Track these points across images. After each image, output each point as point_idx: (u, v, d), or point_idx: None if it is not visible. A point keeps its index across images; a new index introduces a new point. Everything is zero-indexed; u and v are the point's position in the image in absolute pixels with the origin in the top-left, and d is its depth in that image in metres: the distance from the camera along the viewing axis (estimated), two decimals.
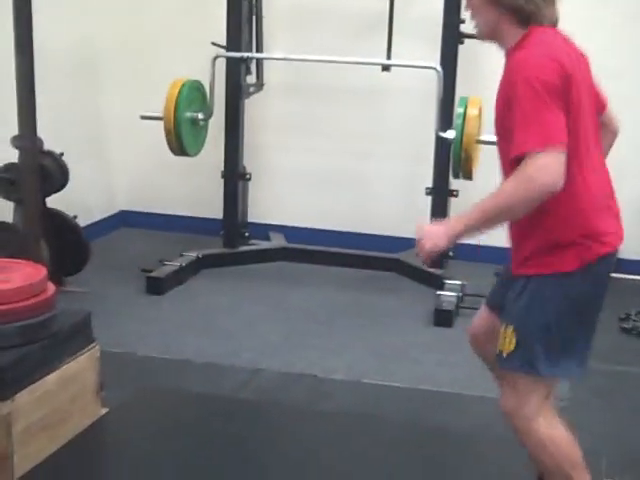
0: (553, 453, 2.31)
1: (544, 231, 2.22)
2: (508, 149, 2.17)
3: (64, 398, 2.80)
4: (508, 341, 2.25)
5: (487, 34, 2.31)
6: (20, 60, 3.01)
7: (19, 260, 3.01)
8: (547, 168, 2.08)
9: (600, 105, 2.38)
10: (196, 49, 5.01)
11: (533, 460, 2.39)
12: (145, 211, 5.63)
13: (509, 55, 2.26)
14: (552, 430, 2.31)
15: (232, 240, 5.04)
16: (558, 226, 2.21)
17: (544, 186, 2.08)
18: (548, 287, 2.23)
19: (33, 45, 3.03)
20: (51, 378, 2.73)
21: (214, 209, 5.12)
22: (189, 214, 5.51)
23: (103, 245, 5.07)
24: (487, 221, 2.17)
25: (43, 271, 2.85)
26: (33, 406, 2.63)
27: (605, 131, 2.39)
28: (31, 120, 3.09)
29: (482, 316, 2.53)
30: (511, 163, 2.15)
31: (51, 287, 2.84)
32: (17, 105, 3.09)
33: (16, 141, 4.03)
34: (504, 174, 2.27)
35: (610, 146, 2.46)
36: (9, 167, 4.05)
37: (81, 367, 2.89)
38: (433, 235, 2.21)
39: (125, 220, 5.66)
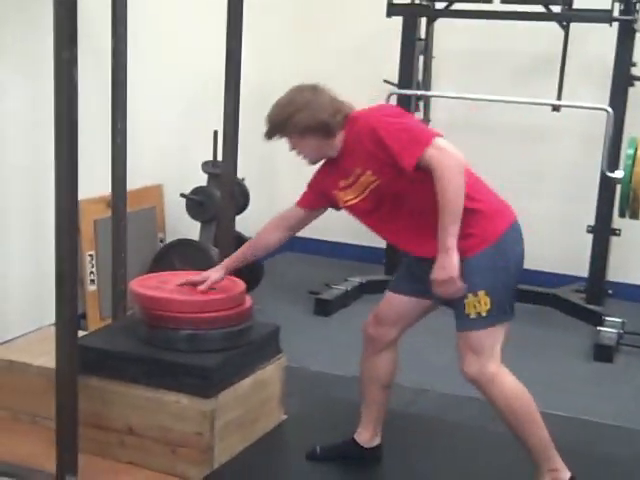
0: (520, 398, 2.66)
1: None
2: (404, 187, 2.57)
3: (256, 401, 3.08)
4: (484, 303, 2.61)
5: (317, 158, 2.71)
6: (228, 96, 3.34)
7: None
8: (447, 149, 2.45)
9: None
10: (366, 87, 5.25)
11: (503, 420, 2.69)
12: (308, 237, 5.92)
13: (345, 143, 2.64)
14: (511, 377, 2.68)
15: (393, 268, 5.25)
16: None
17: (461, 161, 2.47)
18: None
19: (240, 82, 3.35)
20: (247, 382, 3.00)
21: (376, 239, 5.33)
22: (352, 242, 5.76)
23: (270, 267, 5.36)
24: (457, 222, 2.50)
25: (242, 285, 3.13)
26: (232, 405, 2.91)
27: None
28: (233, 150, 3.39)
29: (394, 302, 2.94)
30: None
31: (248, 300, 3.13)
32: (223, 135, 3.41)
33: (207, 167, 4.43)
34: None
35: None
36: (198, 190, 4.43)
37: (270, 374, 3.16)
38: (447, 280, 2.54)
39: (289, 245, 5.97)
